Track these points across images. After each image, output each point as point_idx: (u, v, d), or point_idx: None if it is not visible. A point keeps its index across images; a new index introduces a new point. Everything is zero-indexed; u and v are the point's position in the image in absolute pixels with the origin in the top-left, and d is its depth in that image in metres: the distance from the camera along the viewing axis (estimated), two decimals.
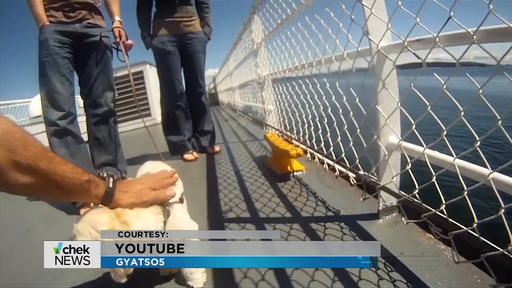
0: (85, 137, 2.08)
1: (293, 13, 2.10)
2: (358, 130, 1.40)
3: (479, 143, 0.83)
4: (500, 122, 0.78)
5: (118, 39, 2.04)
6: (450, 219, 0.98)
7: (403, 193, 1.20)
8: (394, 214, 1.32)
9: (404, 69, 1.22)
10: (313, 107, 1.97)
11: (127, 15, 2.15)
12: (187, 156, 2.70)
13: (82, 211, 1.80)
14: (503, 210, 0.77)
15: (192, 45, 2.67)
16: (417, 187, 1.09)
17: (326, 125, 1.72)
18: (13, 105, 4.58)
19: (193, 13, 2.67)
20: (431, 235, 1.14)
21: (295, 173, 1.95)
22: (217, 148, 2.95)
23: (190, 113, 2.85)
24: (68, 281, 1.18)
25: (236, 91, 7.77)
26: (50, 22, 1.81)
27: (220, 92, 12.60)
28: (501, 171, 0.83)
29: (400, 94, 1.21)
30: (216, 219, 1.52)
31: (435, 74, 1.00)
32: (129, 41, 2.10)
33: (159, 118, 6.55)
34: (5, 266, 1.43)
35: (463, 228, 0.93)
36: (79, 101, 2.18)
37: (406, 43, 1.04)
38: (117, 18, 2.07)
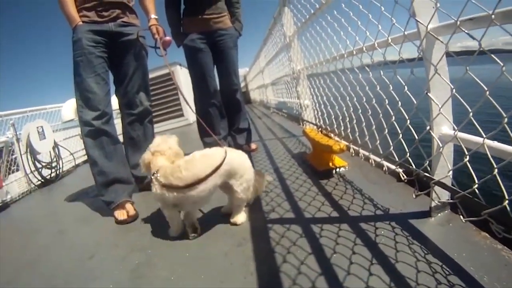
0: (121, 138, 2.10)
1: (328, 0, 2.00)
2: (408, 121, 1.30)
3: None
4: None
5: (156, 36, 2.03)
6: None
7: (458, 189, 1.09)
8: (446, 211, 1.25)
9: None
10: (355, 99, 1.85)
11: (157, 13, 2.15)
12: None
13: (116, 212, 1.82)
14: None
15: (223, 42, 2.64)
16: (476, 181, 0.98)
17: (370, 117, 1.61)
18: (45, 110, 4.71)
19: (222, 9, 2.63)
20: (487, 234, 1.07)
21: (337, 170, 1.87)
22: (253, 146, 2.93)
23: (224, 111, 2.82)
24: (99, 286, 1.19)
25: (268, 88, 7.73)
26: (83, 22, 1.82)
27: (251, 90, 12.60)
28: None
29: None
30: (258, 220, 1.48)
31: (492, 56, 0.88)
32: (168, 38, 2.09)
33: (191, 118, 6.69)
34: (38, 269, 1.48)
35: None
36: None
37: (458, 22, 0.94)
38: (153, 16, 2.07)
